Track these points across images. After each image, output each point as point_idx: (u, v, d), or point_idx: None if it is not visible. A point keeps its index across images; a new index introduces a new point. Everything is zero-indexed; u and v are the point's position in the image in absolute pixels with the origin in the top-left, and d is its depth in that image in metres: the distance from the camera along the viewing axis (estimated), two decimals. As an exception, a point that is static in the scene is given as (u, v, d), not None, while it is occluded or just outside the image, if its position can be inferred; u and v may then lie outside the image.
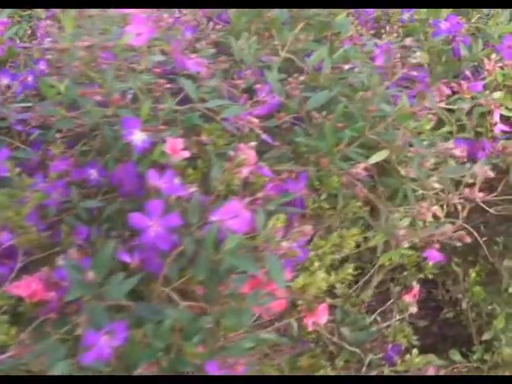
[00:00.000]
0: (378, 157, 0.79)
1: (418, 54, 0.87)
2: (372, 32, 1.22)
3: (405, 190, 0.85)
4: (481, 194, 0.85)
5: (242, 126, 0.77)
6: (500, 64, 1.11)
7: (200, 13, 1.20)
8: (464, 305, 1.25)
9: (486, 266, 1.23)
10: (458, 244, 0.78)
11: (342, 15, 1.06)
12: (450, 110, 1.06)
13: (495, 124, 1.05)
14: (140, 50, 0.75)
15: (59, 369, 0.63)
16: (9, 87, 0.92)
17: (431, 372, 0.95)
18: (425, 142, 0.87)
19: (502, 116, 1.09)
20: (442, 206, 1.06)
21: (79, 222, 0.79)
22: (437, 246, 0.93)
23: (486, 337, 1.22)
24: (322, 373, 0.89)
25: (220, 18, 1.18)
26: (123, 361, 0.64)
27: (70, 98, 0.80)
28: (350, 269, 0.80)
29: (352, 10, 1.22)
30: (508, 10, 1.41)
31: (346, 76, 0.93)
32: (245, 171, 0.73)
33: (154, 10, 1.02)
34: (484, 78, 1.11)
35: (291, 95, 0.81)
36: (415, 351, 0.94)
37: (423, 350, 1.46)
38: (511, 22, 1.40)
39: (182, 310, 0.66)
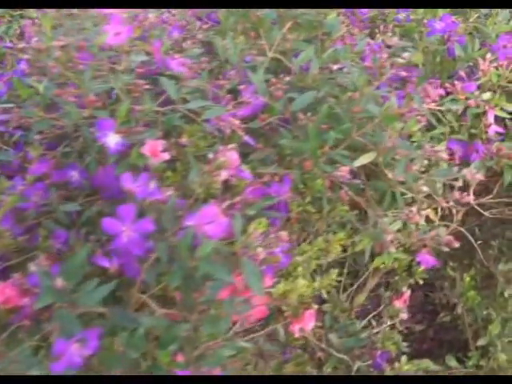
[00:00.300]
0: (363, 159, 0.77)
1: (406, 54, 0.84)
2: (365, 32, 1.20)
3: (393, 194, 0.83)
4: (472, 198, 0.82)
5: (223, 128, 0.75)
6: (495, 64, 1.08)
7: (189, 12, 1.18)
8: (459, 309, 1.22)
9: (481, 270, 1.21)
10: (446, 249, 0.76)
11: (332, 15, 1.04)
12: (443, 111, 1.04)
13: (489, 125, 1.03)
14: (120, 50, 0.73)
15: (32, 376, 0.61)
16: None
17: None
18: (415, 144, 0.85)
19: (497, 117, 1.07)
20: (435, 210, 1.04)
21: (58, 225, 0.77)
22: (428, 250, 0.91)
23: (481, 342, 1.20)
24: (308, 380, 0.87)
25: (209, 18, 1.16)
26: (96, 369, 0.62)
27: (49, 99, 0.78)
28: (334, 274, 0.78)
29: (344, 10, 1.20)
30: (506, 9, 1.39)
31: (335, 76, 0.91)
32: (225, 174, 0.71)
33: (139, 9, 1.01)
34: (478, 79, 1.08)
35: (275, 96, 0.79)
36: (404, 358, 0.91)
37: (418, 355, 1.44)
38: (510, 21, 1.38)
39: (158, 318, 0.64)
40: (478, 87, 1.08)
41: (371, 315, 1.09)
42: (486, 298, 1.19)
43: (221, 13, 1.07)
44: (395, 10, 1.37)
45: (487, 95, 0.99)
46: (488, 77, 1.07)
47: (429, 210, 1.00)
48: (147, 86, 0.73)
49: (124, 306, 0.70)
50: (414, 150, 0.77)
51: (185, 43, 0.97)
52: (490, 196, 1.14)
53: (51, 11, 0.77)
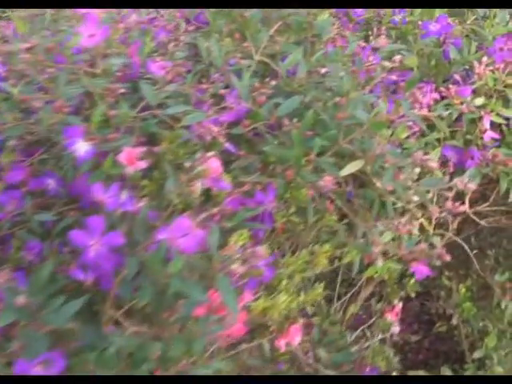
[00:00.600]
0: (351, 168, 0.73)
1: (398, 57, 0.81)
2: (358, 34, 1.16)
3: (383, 203, 0.79)
4: (466, 207, 0.78)
5: (203, 134, 0.72)
6: (491, 67, 1.04)
7: (178, 13, 1.15)
8: (455, 320, 1.19)
9: (477, 281, 1.17)
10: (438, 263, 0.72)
11: (323, 16, 1.01)
12: (437, 117, 1.00)
13: (485, 131, 0.99)
14: (96, 53, 0.70)
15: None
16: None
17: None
18: (407, 151, 0.81)
19: (493, 123, 1.03)
20: (429, 219, 1.00)
21: (32, 235, 0.74)
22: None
23: (477, 355, 1.16)
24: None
25: (198, 19, 1.12)
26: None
27: (23, 104, 0.74)
28: (320, 289, 0.75)
29: (336, 11, 1.16)
30: (504, 11, 1.35)
31: (324, 80, 0.88)
32: (205, 183, 0.68)
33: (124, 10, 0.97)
34: (474, 83, 1.05)
35: (257, 101, 0.75)
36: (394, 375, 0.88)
37: (414, 366, 1.41)
38: (508, 23, 1.34)
39: (130, 336, 0.61)
40: (474, 91, 1.04)
41: (365, 326, 1.05)
42: (482, 310, 1.15)
43: (209, 13, 1.04)
44: (391, 12, 1.33)
45: (480, 100, 0.95)
46: (484, 81, 1.03)
47: (422, 220, 0.96)
48: (123, 91, 0.69)
49: (98, 322, 0.67)
50: (404, 157, 0.74)
51: (169, 45, 0.93)
52: (487, 204, 1.10)
53: (25, 11, 0.73)
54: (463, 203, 1.05)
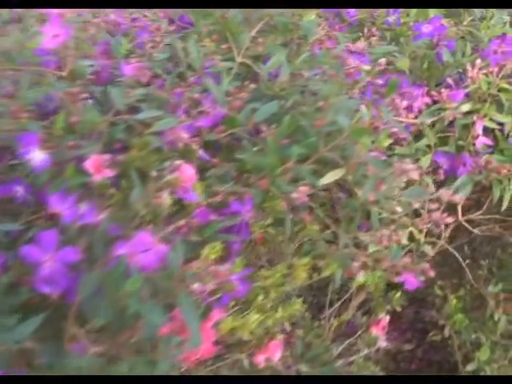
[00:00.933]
0: (330, 177, 0.69)
1: (383, 60, 0.77)
2: (348, 35, 1.12)
3: (366, 213, 0.75)
4: (452, 219, 0.74)
5: (175, 141, 0.68)
6: (485, 71, 1.00)
7: (161, 14, 1.11)
8: (447, 332, 1.14)
9: (471, 291, 1.13)
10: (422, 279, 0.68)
11: (309, 16, 0.97)
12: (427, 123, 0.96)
13: (477, 137, 0.95)
14: (60, 54, 0.66)
15: None
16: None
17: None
18: (390, 159, 0.77)
19: (486, 128, 0.99)
20: (420, 228, 0.96)
21: (-4, 246, 0.70)
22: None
23: (470, 367, 1.12)
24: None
25: (182, 20, 1.09)
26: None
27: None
28: (297, 305, 0.71)
29: (324, 11, 1.12)
30: (501, 12, 1.31)
31: (307, 84, 0.84)
32: (175, 193, 0.64)
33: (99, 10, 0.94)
34: (467, 86, 1.01)
35: (233, 106, 0.71)
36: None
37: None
38: (505, 25, 1.30)
39: (91, 357, 0.57)
40: (467, 95, 1.00)
41: (351, 339, 1.01)
42: (475, 321, 1.11)
43: (192, 14, 1.00)
44: (385, 12, 1.30)
45: (467, 106, 0.91)
46: (477, 84, 0.99)
47: (411, 229, 0.93)
48: (86, 95, 0.66)
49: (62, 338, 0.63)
50: (387, 166, 0.70)
51: (147, 46, 0.90)
52: (480, 212, 1.06)
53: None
54: (455, 212, 1.02)
